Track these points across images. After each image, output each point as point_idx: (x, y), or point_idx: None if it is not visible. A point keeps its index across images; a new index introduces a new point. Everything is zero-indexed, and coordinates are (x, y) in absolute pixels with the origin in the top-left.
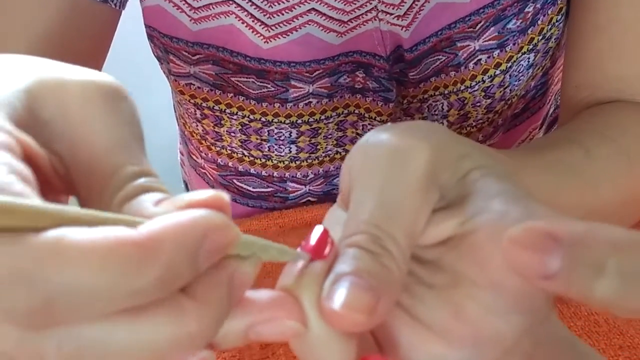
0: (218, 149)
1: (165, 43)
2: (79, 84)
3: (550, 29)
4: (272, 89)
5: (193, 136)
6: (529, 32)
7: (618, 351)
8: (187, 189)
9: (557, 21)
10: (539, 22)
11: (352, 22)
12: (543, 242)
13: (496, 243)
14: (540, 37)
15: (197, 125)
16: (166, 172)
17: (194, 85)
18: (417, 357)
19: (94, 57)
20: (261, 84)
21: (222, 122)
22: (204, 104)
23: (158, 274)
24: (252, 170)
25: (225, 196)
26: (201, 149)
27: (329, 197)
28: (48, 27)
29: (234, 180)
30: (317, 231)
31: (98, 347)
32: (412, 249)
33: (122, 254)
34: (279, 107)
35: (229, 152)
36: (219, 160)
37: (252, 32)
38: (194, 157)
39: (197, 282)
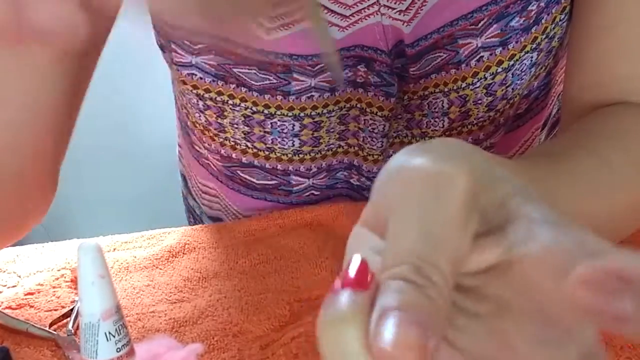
0: (221, 140)
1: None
2: None
3: (554, 28)
4: (275, 81)
5: (196, 126)
6: (533, 30)
7: (619, 352)
8: (186, 183)
9: (560, 20)
10: (543, 21)
11: (354, 16)
12: (613, 283)
13: (545, 273)
14: (544, 36)
15: (199, 116)
16: (166, 172)
17: (196, 75)
18: None
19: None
20: (263, 75)
21: (225, 113)
22: (206, 95)
23: None
24: (255, 162)
25: None
26: (204, 139)
27: (332, 190)
28: None
29: (238, 172)
30: (355, 261)
31: None
32: (455, 278)
33: None
34: (281, 99)
35: (232, 143)
36: (222, 151)
37: None
38: (196, 147)
39: None
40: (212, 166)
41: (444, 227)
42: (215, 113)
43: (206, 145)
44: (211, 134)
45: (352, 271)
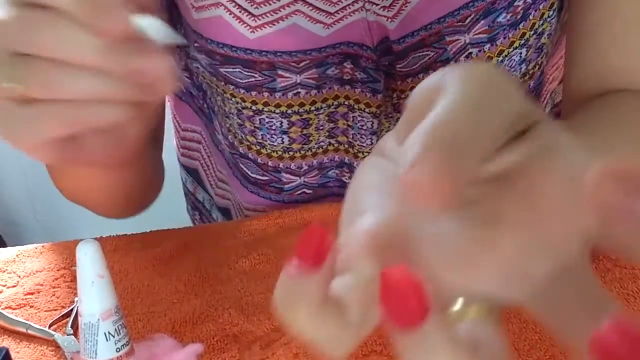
0: (227, 125)
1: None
2: None
3: (542, 24)
4: (260, 78)
5: (219, 110)
6: (520, 26)
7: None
8: (197, 176)
9: (549, 17)
10: (531, 17)
11: (339, 13)
12: (633, 184)
13: (557, 176)
14: (532, 32)
15: (215, 100)
16: (165, 172)
17: (199, 68)
18: (440, 284)
19: None
20: (248, 73)
21: (225, 102)
22: (210, 84)
23: None
24: (249, 155)
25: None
26: (222, 123)
27: (324, 189)
28: None
29: (239, 162)
30: (314, 234)
31: None
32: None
33: None
34: (267, 96)
35: (234, 131)
36: (229, 137)
37: (239, 21)
38: (216, 132)
39: None
40: (226, 152)
41: (493, 121)
42: (220, 100)
43: (223, 130)
44: (221, 119)
45: (309, 246)
